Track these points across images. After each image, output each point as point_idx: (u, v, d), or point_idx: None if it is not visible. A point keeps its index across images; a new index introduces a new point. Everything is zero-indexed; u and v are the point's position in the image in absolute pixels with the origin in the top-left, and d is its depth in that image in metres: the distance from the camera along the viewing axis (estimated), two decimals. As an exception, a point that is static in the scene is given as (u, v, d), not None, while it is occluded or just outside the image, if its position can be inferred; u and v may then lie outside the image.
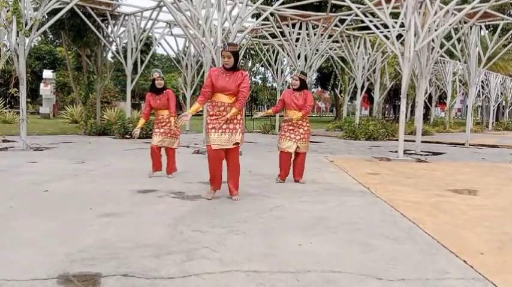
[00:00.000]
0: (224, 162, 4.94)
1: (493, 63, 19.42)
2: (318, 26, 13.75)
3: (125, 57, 14.20)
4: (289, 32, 13.64)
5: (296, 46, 14.00)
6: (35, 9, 9.94)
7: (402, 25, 10.24)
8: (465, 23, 11.88)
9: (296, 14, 13.60)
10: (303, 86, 6.04)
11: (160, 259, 2.94)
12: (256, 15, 20.08)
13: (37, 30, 9.46)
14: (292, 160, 6.15)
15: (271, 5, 14.62)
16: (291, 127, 6.03)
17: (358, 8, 11.28)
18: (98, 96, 15.03)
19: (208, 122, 4.82)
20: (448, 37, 13.94)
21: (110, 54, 15.32)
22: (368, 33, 16.57)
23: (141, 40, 14.16)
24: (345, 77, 21.41)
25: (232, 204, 4.70)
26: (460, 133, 20.23)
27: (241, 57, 19.09)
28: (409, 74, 9.58)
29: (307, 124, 6.12)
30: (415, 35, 9.39)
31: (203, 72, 11.21)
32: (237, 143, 4.79)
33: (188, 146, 10.95)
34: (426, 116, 28.46)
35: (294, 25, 13.87)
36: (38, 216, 4.02)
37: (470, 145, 13.59)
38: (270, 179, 6.31)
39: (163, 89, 6.24)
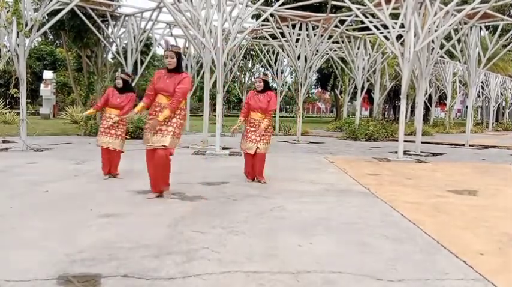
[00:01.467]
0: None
1: (493, 64, 19.38)
2: (318, 27, 13.76)
3: (125, 58, 14.20)
4: (289, 33, 13.64)
5: (296, 47, 14.00)
6: (35, 10, 9.94)
7: (402, 26, 10.25)
8: (465, 23, 11.89)
9: (296, 14, 13.60)
10: (266, 87, 6.08)
11: (161, 260, 2.94)
12: (256, 16, 20.07)
13: (37, 31, 9.46)
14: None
15: (271, 6, 14.64)
16: (253, 129, 6.04)
17: (358, 9, 11.28)
18: (98, 97, 15.01)
19: (145, 121, 4.89)
20: (448, 38, 13.93)
21: (110, 55, 15.33)
22: (368, 34, 16.57)
23: (141, 41, 14.17)
24: (344, 78, 21.42)
25: (232, 205, 4.70)
26: (460, 134, 20.23)
27: (241, 57, 19.23)
28: (409, 75, 9.58)
29: (269, 126, 6.12)
30: (415, 36, 9.39)
31: (203, 73, 11.21)
32: (165, 146, 4.71)
33: (188, 147, 10.96)
34: (426, 117, 28.46)
35: (294, 26, 13.87)
36: (38, 216, 4.03)
37: (470, 146, 13.58)
38: (270, 179, 6.30)
39: (127, 91, 6.14)
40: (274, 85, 19.54)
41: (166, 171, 4.92)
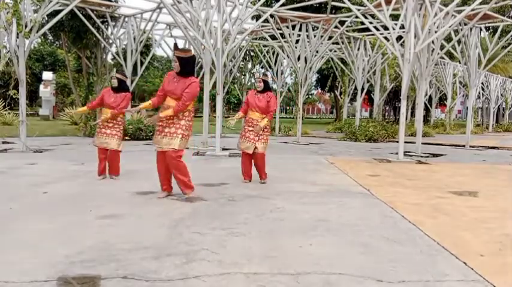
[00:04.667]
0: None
1: (493, 65, 19.38)
2: (318, 28, 13.76)
3: (125, 59, 14.21)
4: (289, 34, 13.64)
5: (296, 48, 14.00)
6: (35, 11, 9.96)
7: (402, 27, 10.25)
8: (465, 24, 11.89)
9: (296, 15, 13.61)
10: (266, 87, 6.09)
11: (160, 261, 2.93)
12: (256, 17, 20.09)
13: (37, 32, 9.46)
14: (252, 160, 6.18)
15: (271, 7, 14.62)
16: (250, 128, 6.04)
17: (358, 10, 11.29)
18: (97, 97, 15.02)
19: (156, 124, 4.94)
20: (448, 39, 13.95)
21: (109, 56, 15.32)
22: (368, 35, 16.58)
23: (141, 42, 14.17)
24: (345, 79, 21.41)
25: (231, 206, 4.70)
26: (460, 135, 20.24)
27: (241, 58, 19.23)
28: (409, 76, 9.58)
29: (267, 126, 6.11)
30: (415, 37, 9.40)
31: (203, 74, 11.20)
32: (174, 149, 4.78)
33: (188, 148, 10.95)
34: (426, 118, 28.47)
35: (293, 27, 13.88)
36: (38, 218, 4.02)
37: (470, 147, 13.58)
38: (269, 180, 6.29)
39: (122, 90, 6.16)
40: (274, 86, 19.53)
41: (182, 173, 4.95)
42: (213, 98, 21.30)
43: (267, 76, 6.35)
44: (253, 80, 25.48)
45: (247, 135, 6.05)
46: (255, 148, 6.02)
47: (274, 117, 18.32)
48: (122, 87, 6.18)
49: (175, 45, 5.03)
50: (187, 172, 5.01)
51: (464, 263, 3.03)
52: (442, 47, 12.06)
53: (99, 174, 6.20)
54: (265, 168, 6.23)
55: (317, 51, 14.31)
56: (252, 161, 6.19)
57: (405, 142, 9.86)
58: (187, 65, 4.79)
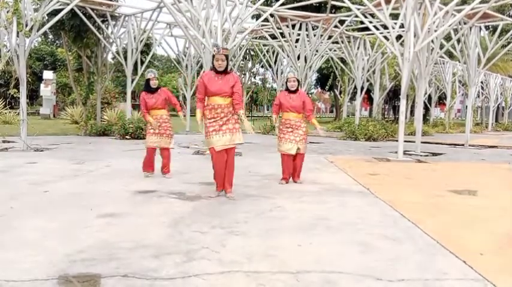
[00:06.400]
0: None
1: (493, 64, 19.41)
2: (317, 27, 13.76)
3: (125, 58, 14.21)
4: (289, 33, 13.65)
5: (296, 47, 14.01)
6: (35, 10, 9.94)
7: (402, 26, 10.25)
8: (465, 23, 11.89)
9: (296, 14, 13.61)
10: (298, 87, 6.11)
11: (160, 260, 2.94)
12: (256, 16, 20.09)
13: (37, 31, 9.46)
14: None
15: (271, 6, 14.64)
16: (289, 129, 6.03)
17: (358, 9, 11.29)
18: (98, 97, 15.03)
19: (207, 125, 4.88)
20: (448, 38, 13.92)
21: (110, 55, 15.32)
22: (368, 34, 16.58)
23: (141, 41, 14.17)
24: (344, 78, 21.42)
25: (232, 204, 4.71)
26: (460, 134, 20.23)
27: (241, 58, 19.24)
28: (408, 75, 9.58)
29: (305, 125, 6.14)
30: (414, 36, 9.40)
31: (203, 73, 11.20)
32: (239, 143, 4.90)
33: (188, 147, 10.96)
34: (426, 117, 28.43)
35: (293, 26, 13.88)
36: (38, 216, 4.03)
37: (469, 146, 13.59)
38: (270, 179, 6.31)
39: (158, 88, 6.30)
40: (274, 85, 19.54)
41: (233, 169, 5.07)
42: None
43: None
44: (253, 79, 25.49)
45: (287, 137, 6.02)
46: (298, 148, 6.02)
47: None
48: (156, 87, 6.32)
49: (217, 45, 5.06)
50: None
51: (464, 261, 3.04)
52: (441, 46, 12.05)
53: (148, 171, 6.38)
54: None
55: (317, 51, 14.32)
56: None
57: (405, 141, 9.87)
58: (228, 62, 4.91)
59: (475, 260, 3.08)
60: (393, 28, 9.77)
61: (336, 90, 28.23)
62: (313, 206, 4.70)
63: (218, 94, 4.81)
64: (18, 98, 9.68)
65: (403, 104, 10.05)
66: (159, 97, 6.23)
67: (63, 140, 12.31)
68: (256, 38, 18.14)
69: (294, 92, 6.02)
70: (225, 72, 4.85)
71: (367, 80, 18.18)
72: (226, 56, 4.82)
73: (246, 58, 22.19)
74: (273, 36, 16.60)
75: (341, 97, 23.97)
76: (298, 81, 6.11)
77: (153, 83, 6.25)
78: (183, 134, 15.79)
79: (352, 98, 27.04)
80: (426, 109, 28.50)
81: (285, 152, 6.07)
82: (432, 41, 10.69)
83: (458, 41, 13.00)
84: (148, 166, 6.37)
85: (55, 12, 10.39)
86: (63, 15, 10.26)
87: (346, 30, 15.78)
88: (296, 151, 6.04)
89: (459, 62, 15.53)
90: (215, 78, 4.83)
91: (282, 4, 12.27)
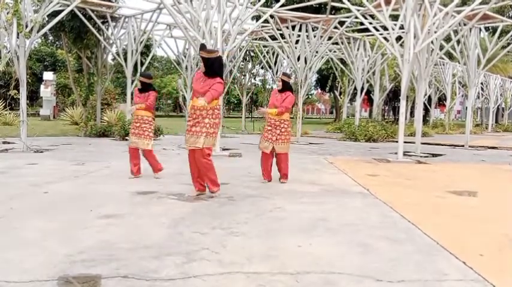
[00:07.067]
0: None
1: (493, 65, 19.40)
2: (317, 28, 13.77)
3: (125, 59, 14.21)
4: (289, 34, 13.65)
5: (296, 48, 14.01)
6: (35, 11, 9.95)
7: (402, 27, 10.26)
8: (464, 25, 11.90)
9: (296, 16, 13.62)
10: (286, 87, 6.12)
11: (160, 261, 2.94)
12: (256, 17, 20.09)
13: (37, 32, 9.46)
14: (272, 160, 6.21)
15: (271, 7, 14.63)
16: (269, 127, 6.09)
17: (358, 10, 11.30)
18: (98, 98, 15.03)
19: (187, 123, 5.02)
20: (448, 39, 13.94)
21: (110, 56, 15.33)
22: (367, 35, 16.58)
23: (141, 42, 14.17)
24: (344, 79, 21.42)
25: (231, 205, 4.71)
26: (460, 135, 20.23)
27: (241, 59, 19.24)
28: (408, 76, 9.59)
29: (286, 125, 6.12)
30: (414, 37, 9.40)
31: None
32: (199, 147, 4.85)
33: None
34: (426, 118, 28.43)
35: (293, 27, 13.88)
36: (38, 217, 4.03)
37: (469, 147, 13.59)
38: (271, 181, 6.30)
39: (149, 90, 6.25)
40: (274, 86, 19.52)
41: (209, 171, 5.00)
42: (213, 98, 21.20)
43: (289, 76, 6.31)
44: (253, 80, 25.50)
45: (265, 135, 6.09)
46: (273, 147, 6.04)
47: (293, 118, 18.28)
48: (146, 88, 6.28)
49: (202, 45, 5.08)
50: (215, 170, 5.07)
51: (464, 262, 3.04)
52: (441, 47, 12.07)
53: (134, 173, 6.32)
54: (288, 169, 6.26)
55: (317, 52, 14.33)
56: (273, 160, 6.22)
57: (404, 142, 9.87)
58: (213, 66, 4.86)
59: (475, 261, 3.08)
60: (393, 29, 9.78)
61: (335, 91, 28.18)
62: (313, 207, 4.70)
63: (196, 95, 4.90)
64: (18, 99, 9.67)
65: (403, 105, 10.05)
66: (143, 98, 6.20)
67: (63, 141, 12.31)
68: (256, 39, 18.13)
69: (281, 91, 6.08)
70: (212, 75, 4.85)
71: (367, 81, 18.18)
72: (204, 60, 4.80)
73: (246, 59, 22.17)
74: (273, 38, 16.60)
75: (341, 98, 23.95)
76: (284, 81, 6.11)
77: (137, 85, 6.31)
78: (183, 135, 15.78)
79: (352, 99, 27.08)
80: (426, 110, 28.49)
81: (262, 150, 6.16)
82: (432, 42, 10.69)
83: (458, 42, 13.01)
84: (131, 166, 6.33)
85: (55, 14, 10.39)
86: (63, 16, 10.26)
87: (346, 31, 15.78)
88: (272, 150, 6.06)
89: (459, 63, 15.54)
90: (200, 79, 4.92)
91: (282, 5, 12.28)
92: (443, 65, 22.34)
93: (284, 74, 6.30)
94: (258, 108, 6.42)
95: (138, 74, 14.52)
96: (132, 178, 6.26)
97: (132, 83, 14.47)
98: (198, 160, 4.93)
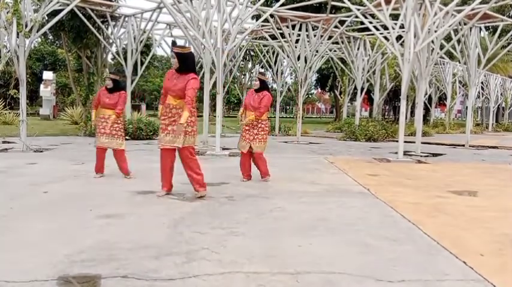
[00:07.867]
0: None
1: (493, 64, 19.40)
2: (317, 28, 13.76)
3: (125, 59, 14.21)
4: (289, 34, 13.64)
5: (296, 47, 14.00)
6: (35, 11, 9.95)
7: (402, 26, 10.25)
8: (465, 24, 11.89)
9: (296, 15, 13.61)
10: (263, 87, 6.10)
11: (160, 260, 2.94)
12: (256, 17, 20.07)
13: (37, 32, 9.45)
14: (251, 159, 6.22)
15: (271, 6, 14.63)
16: (247, 127, 6.09)
17: (358, 10, 11.29)
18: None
19: (160, 122, 4.96)
20: (448, 38, 13.93)
21: (110, 56, 15.33)
22: (368, 35, 16.58)
23: (141, 41, 14.17)
24: (344, 78, 21.42)
25: (231, 205, 4.70)
26: (460, 134, 20.24)
27: (241, 58, 19.23)
28: (408, 76, 9.58)
29: (263, 125, 6.12)
30: (414, 37, 9.39)
31: (203, 74, 11.20)
32: (178, 147, 4.82)
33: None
34: (426, 117, 28.46)
35: (293, 26, 13.87)
36: (38, 217, 4.02)
37: (470, 146, 13.59)
38: (269, 180, 6.30)
39: (118, 91, 6.16)
40: (274, 86, 19.53)
41: (195, 171, 4.97)
42: (213, 98, 21.30)
43: (265, 75, 6.35)
44: (252, 79, 25.49)
45: (243, 135, 6.13)
46: (250, 147, 6.06)
47: (274, 117, 18.31)
48: (116, 87, 6.19)
49: (174, 42, 5.07)
50: (200, 170, 5.03)
51: (464, 262, 3.04)
52: (441, 47, 12.06)
53: (96, 172, 6.29)
54: (266, 167, 6.26)
55: (317, 51, 14.31)
56: (252, 160, 6.25)
57: (405, 142, 9.86)
58: (186, 61, 4.80)
59: (475, 261, 3.07)
60: (393, 29, 9.77)
61: (336, 90, 28.21)
62: (314, 207, 4.70)
63: (169, 93, 4.86)
64: (18, 98, 9.66)
65: (403, 104, 10.05)
66: (114, 98, 6.09)
67: (62, 140, 12.30)
68: (256, 38, 18.12)
69: (258, 91, 6.06)
70: (185, 71, 4.77)
71: (367, 81, 18.18)
72: (178, 55, 4.71)
73: (246, 59, 22.18)
74: (273, 37, 16.58)
75: (341, 98, 23.97)
76: (262, 81, 6.08)
77: (107, 84, 6.16)
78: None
79: (352, 99, 27.06)
80: (426, 110, 28.52)
81: (240, 150, 6.19)
82: (432, 41, 10.68)
83: (459, 41, 13.00)
84: (98, 167, 6.28)
85: (55, 13, 10.39)
86: (63, 15, 10.25)
87: (346, 30, 15.77)
88: (249, 150, 6.07)
89: (459, 62, 15.54)
90: (173, 77, 4.85)
91: (282, 4, 12.28)
92: (444, 64, 22.34)
93: (261, 73, 6.30)
94: (240, 121, 6.29)
95: (139, 74, 14.63)
96: (98, 177, 6.22)
97: (132, 82, 14.47)
98: (184, 160, 4.92)
